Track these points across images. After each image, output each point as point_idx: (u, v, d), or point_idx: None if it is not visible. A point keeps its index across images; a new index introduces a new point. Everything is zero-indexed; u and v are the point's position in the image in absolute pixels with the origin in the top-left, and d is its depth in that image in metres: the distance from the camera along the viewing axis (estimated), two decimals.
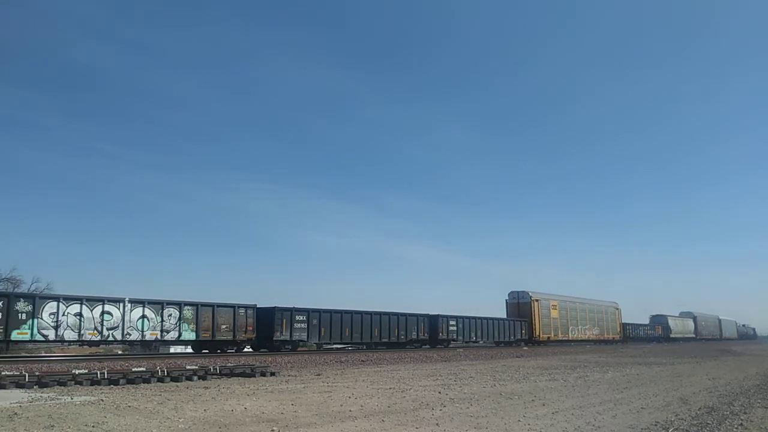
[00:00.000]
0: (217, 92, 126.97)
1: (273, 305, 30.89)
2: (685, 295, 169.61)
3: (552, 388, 14.69)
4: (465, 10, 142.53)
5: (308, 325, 31.88)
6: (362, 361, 26.40)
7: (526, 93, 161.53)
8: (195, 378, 16.46)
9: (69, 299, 23.69)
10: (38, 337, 22.87)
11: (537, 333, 49.78)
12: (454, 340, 41.94)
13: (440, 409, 10.43)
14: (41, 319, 22.80)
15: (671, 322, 74.12)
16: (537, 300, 50.87)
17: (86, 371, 15.46)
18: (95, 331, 24.09)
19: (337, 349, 36.13)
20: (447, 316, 41.40)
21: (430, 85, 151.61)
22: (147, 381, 15.42)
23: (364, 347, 35.83)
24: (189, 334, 27.11)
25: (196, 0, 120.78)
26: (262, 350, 30.60)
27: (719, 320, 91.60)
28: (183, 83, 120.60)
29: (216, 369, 17.74)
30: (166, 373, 16.18)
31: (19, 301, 22.54)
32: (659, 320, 72.95)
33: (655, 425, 9.03)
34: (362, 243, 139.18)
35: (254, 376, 17.51)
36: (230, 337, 28.47)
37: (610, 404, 11.61)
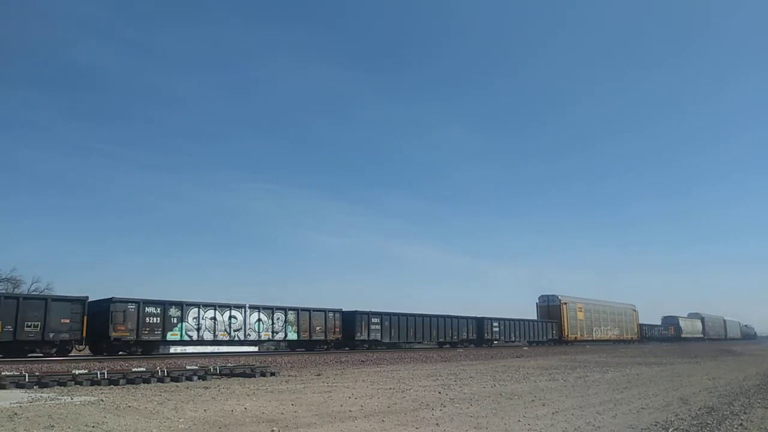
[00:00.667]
0: (217, 92, 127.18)
1: (354, 309, 34.68)
2: (683, 294, 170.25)
3: (552, 388, 14.69)
4: (465, 10, 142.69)
5: (381, 327, 35.92)
6: (362, 361, 26.41)
7: (527, 93, 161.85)
8: (195, 378, 16.47)
9: (206, 305, 28.08)
10: (185, 338, 27.04)
11: (566, 333, 54.09)
12: (496, 340, 46.83)
13: (440, 410, 10.43)
14: (187, 322, 27.19)
15: (682, 323, 78.11)
16: (565, 303, 55.01)
17: (86, 371, 15.47)
18: (225, 332, 28.54)
19: (413, 348, 39.49)
20: (491, 319, 46.38)
21: (430, 85, 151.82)
22: (147, 381, 15.42)
23: (421, 346, 39.86)
24: (292, 335, 31.48)
25: (196, 0, 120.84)
26: (344, 348, 34.15)
27: (724, 321, 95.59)
28: (183, 83, 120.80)
29: (216, 369, 17.75)
30: (166, 373, 16.19)
31: (171, 307, 26.78)
32: (671, 321, 76.88)
33: (655, 425, 9.03)
34: (362, 243, 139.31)
35: (254, 377, 17.51)
36: (323, 337, 32.71)
37: (610, 404, 11.61)
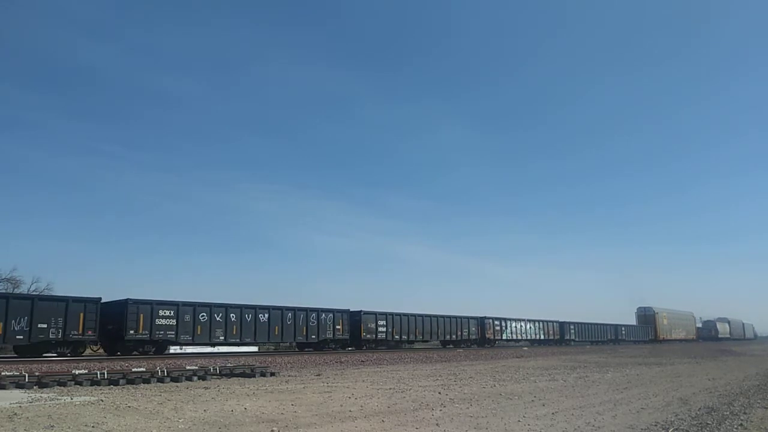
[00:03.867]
0: (217, 92, 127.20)
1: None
2: (683, 295, 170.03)
3: (552, 389, 14.69)
4: (465, 9, 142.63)
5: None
6: (362, 361, 26.42)
7: (527, 92, 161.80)
8: (195, 378, 16.47)
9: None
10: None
11: (659, 335, 73.98)
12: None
13: (440, 410, 10.43)
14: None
15: (718, 326, 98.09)
16: (657, 312, 76.13)
17: (86, 371, 15.45)
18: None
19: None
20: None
21: (430, 85, 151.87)
22: (147, 381, 15.42)
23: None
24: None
25: (195, 1, 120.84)
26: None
27: (742, 324, 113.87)
28: (182, 83, 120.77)
29: (216, 369, 17.75)
30: (165, 374, 16.18)
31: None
32: (711, 324, 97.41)
33: (655, 425, 9.03)
34: (363, 243, 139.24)
35: (254, 377, 17.52)
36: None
37: (610, 404, 11.61)
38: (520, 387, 15.03)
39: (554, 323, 55.20)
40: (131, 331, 25.07)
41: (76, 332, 23.77)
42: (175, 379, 16.00)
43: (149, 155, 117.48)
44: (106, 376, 14.97)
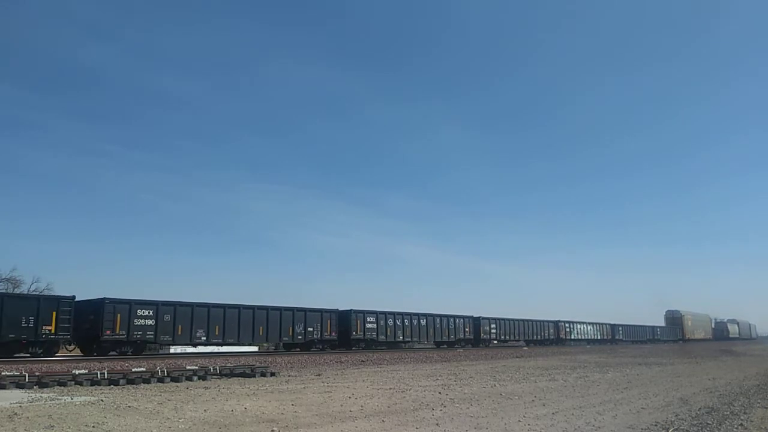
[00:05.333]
0: (217, 92, 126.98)
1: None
2: (683, 293, 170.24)
3: (552, 389, 14.70)
4: (465, 9, 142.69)
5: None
6: (362, 361, 26.42)
7: (527, 92, 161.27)
8: (195, 378, 16.47)
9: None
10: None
11: (686, 334, 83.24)
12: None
13: (440, 410, 10.43)
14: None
15: (729, 326, 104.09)
16: (684, 315, 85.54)
17: (86, 371, 15.46)
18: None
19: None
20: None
21: (429, 85, 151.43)
22: (147, 381, 15.43)
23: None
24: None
25: (195, 0, 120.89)
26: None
27: (749, 325, 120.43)
28: (181, 83, 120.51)
29: (216, 369, 17.75)
30: (166, 374, 16.19)
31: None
32: (723, 325, 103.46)
33: (655, 425, 9.04)
34: (362, 243, 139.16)
35: (254, 377, 17.52)
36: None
37: (610, 404, 11.61)
38: (521, 387, 15.03)
39: (606, 325, 64.64)
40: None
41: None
42: (175, 379, 16.01)
43: (149, 155, 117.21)
44: (106, 376, 14.97)
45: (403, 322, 38.19)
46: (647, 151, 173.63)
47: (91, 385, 14.48)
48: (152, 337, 25.62)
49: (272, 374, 18.30)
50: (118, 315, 24.54)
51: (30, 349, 23.00)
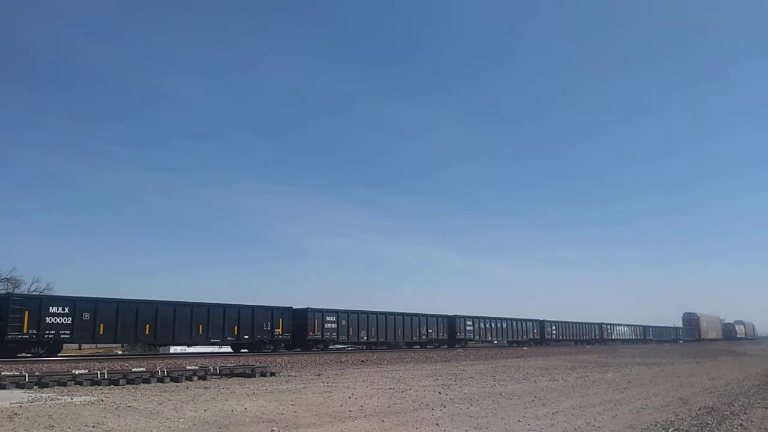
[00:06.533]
0: (212, 90, 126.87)
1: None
2: (681, 293, 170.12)
3: (552, 389, 14.70)
4: (460, 4, 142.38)
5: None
6: (362, 361, 26.42)
7: (524, 87, 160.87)
8: (195, 378, 16.48)
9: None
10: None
11: (701, 335, 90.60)
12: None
13: (440, 410, 10.43)
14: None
15: (736, 327, 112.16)
16: (700, 317, 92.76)
17: (86, 371, 15.46)
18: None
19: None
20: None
21: (423, 80, 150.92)
22: (147, 381, 15.43)
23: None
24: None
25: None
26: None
27: (753, 326, 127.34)
28: (176, 80, 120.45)
29: (216, 369, 17.75)
30: (166, 374, 16.19)
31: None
32: (731, 326, 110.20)
33: (655, 425, 9.04)
34: (357, 241, 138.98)
35: (254, 377, 17.53)
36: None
37: (610, 404, 11.62)
38: (520, 387, 15.03)
39: (640, 327, 72.52)
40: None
41: None
42: (175, 379, 16.01)
43: (142, 153, 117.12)
44: (106, 376, 14.98)
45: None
46: (645, 143, 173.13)
47: (91, 385, 14.49)
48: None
49: (272, 374, 18.31)
50: (26, 313, 22.82)
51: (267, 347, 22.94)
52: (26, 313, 22.88)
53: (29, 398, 11.52)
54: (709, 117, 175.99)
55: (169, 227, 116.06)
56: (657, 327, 78.26)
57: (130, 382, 15.18)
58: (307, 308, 32.94)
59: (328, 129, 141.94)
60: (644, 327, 73.50)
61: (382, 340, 36.91)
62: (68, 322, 23.73)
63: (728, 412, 10.68)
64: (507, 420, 9.36)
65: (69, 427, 8.13)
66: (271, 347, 31.05)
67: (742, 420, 9.82)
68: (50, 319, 23.41)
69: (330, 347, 34.55)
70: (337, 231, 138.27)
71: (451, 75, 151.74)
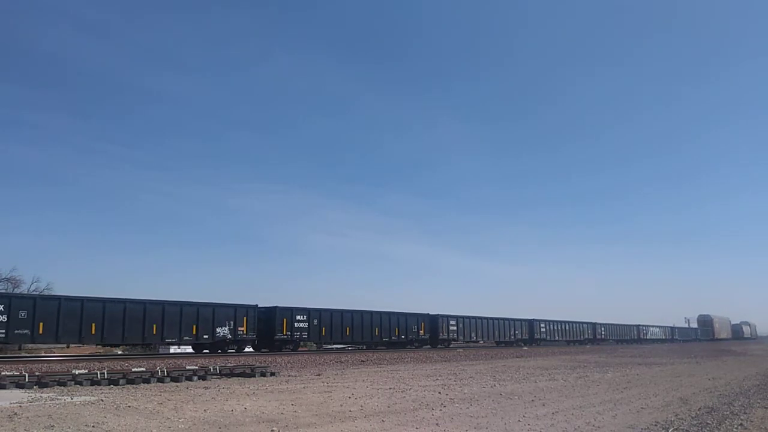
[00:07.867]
0: (211, 89, 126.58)
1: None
2: (680, 293, 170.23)
3: (552, 389, 14.70)
4: (458, 2, 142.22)
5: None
6: (362, 361, 26.41)
7: (526, 87, 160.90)
8: (195, 378, 16.47)
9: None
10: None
11: (715, 335, 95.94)
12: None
13: (440, 410, 10.43)
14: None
15: (744, 328, 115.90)
16: (713, 318, 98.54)
17: (86, 371, 15.46)
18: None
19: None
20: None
21: (424, 78, 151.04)
22: (147, 381, 15.43)
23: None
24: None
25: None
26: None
27: (755, 326, 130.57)
28: (174, 79, 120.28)
29: (216, 369, 17.75)
30: (166, 374, 16.19)
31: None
32: (738, 327, 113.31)
33: (655, 425, 9.04)
34: (354, 241, 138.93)
35: (254, 376, 17.52)
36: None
37: (610, 404, 11.62)
38: (521, 387, 15.03)
39: (668, 328, 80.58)
40: None
41: None
42: (175, 379, 16.01)
43: (142, 152, 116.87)
44: (106, 376, 14.97)
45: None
46: (643, 140, 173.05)
47: (91, 384, 14.48)
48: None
49: (272, 374, 18.31)
50: (285, 320, 22.42)
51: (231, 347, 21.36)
52: (284, 320, 23.45)
53: (29, 398, 11.51)
54: (708, 115, 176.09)
55: (168, 227, 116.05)
56: (681, 328, 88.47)
57: (130, 382, 15.18)
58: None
59: (327, 128, 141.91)
60: (671, 328, 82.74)
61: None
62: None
63: (728, 412, 10.67)
64: (507, 420, 9.36)
65: (69, 427, 8.13)
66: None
67: (742, 420, 9.82)
68: (297, 324, 23.36)
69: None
70: (335, 230, 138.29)
71: (449, 74, 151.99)
